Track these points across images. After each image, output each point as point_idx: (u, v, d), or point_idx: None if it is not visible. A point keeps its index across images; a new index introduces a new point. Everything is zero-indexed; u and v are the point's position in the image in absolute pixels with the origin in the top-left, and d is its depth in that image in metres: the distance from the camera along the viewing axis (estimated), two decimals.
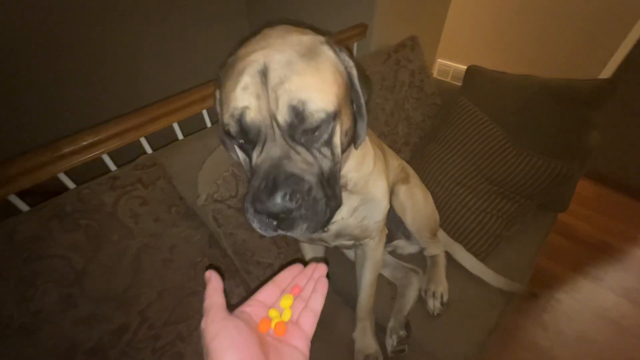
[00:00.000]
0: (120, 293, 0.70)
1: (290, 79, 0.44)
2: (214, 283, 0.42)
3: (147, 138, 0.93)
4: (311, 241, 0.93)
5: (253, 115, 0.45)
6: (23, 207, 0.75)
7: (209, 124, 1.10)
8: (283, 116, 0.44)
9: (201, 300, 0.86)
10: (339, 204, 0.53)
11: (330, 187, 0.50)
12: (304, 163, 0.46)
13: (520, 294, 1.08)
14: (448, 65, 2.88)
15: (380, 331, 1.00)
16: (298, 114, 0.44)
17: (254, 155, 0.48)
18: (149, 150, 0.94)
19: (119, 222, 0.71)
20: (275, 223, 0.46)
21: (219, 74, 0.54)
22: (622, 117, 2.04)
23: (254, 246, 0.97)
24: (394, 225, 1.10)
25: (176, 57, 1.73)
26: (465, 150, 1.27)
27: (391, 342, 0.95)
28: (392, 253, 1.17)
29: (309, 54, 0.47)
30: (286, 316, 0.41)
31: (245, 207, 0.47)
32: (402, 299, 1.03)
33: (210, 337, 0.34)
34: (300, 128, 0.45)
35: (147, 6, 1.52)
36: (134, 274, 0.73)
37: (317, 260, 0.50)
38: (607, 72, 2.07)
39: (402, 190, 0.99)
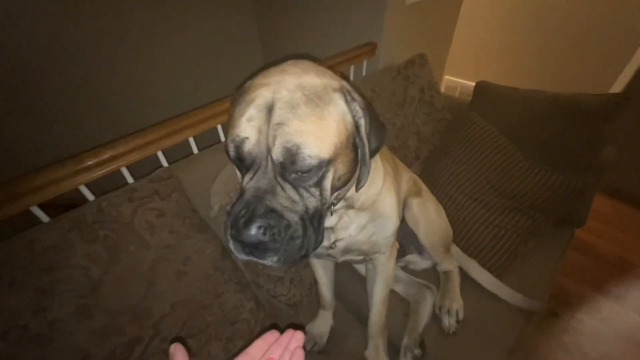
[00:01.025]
0: (134, 305, 0.71)
1: (291, 122, 0.45)
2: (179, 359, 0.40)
3: (163, 152, 0.96)
4: (318, 256, 0.92)
5: (251, 147, 0.47)
6: (45, 218, 0.76)
7: (223, 139, 1.12)
8: (277, 155, 0.46)
9: (212, 314, 0.85)
10: (319, 242, 0.54)
11: (313, 225, 0.51)
12: (288, 200, 0.48)
13: (540, 312, 1.04)
14: (455, 82, 2.92)
15: (393, 350, 0.97)
16: (291, 155, 0.45)
17: (245, 178, 0.50)
18: (165, 163, 0.96)
19: (135, 233, 0.72)
20: (248, 249, 0.48)
21: (235, 95, 0.56)
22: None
23: None
24: (407, 239, 1.08)
25: (192, 74, 1.80)
26: (477, 164, 1.26)
27: None
28: (405, 268, 1.15)
29: (317, 100, 0.48)
30: None
31: (225, 226, 0.49)
32: (415, 316, 1.00)
33: None
34: (291, 168, 0.47)
35: (163, 26, 1.60)
36: (148, 285, 0.73)
37: (295, 327, 0.47)
38: (618, 86, 2.07)
39: (414, 204, 0.99)
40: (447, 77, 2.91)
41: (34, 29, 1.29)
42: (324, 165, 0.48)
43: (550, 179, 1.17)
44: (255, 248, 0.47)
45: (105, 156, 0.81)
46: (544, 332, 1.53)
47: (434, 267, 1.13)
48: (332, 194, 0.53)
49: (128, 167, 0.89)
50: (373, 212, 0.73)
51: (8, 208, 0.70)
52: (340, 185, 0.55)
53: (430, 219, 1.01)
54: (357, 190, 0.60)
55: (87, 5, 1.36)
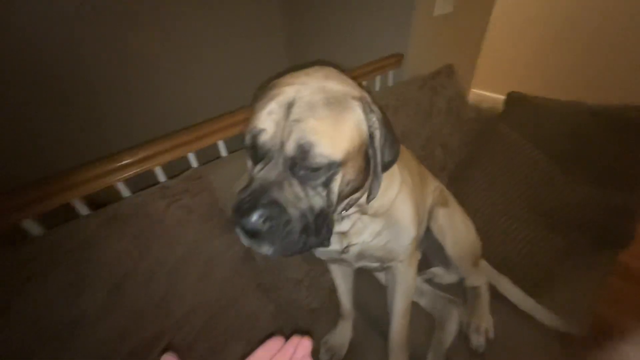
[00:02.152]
0: (156, 303, 0.71)
1: (307, 120, 0.48)
2: None
3: (194, 154, 0.99)
4: (333, 261, 0.91)
5: (267, 139, 0.50)
6: (84, 212, 0.80)
7: None
8: (289, 149, 0.48)
9: (232, 315, 0.85)
10: (322, 243, 0.55)
11: (317, 225, 0.52)
12: (293, 195, 0.50)
13: (578, 339, 0.95)
14: (482, 95, 2.85)
15: None
16: (303, 152, 0.48)
17: (256, 168, 0.52)
18: (195, 165, 0.99)
19: (165, 230, 0.74)
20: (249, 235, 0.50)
21: (257, 93, 0.60)
22: None
23: (285, 261, 0.97)
24: (432, 251, 1.04)
25: (222, 80, 1.89)
26: (508, 176, 1.21)
27: None
28: (429, 282, 1.10)
29: (336, 105, 0.50)
30: None
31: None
32: (441, 332, 0.95)
33: None
34: (301, 164, 0.49)
35: (198, 35, 1.69)
36: (171, 284, 0.74)
37: (302, 333, 0.43)
38: None
39: (441, 214, 0.95)
40: (473, 90, 2.86)
41: (76, 39, 1.40)
42: (334, 167, 0.50)
43: (589, 196, 1.10)
44: (253, 235, 0.49)
45: (141, 155, 0.85)
46: None
47: (460, 282, 1.07)
48: (340, 199, 0.54)
49: (161, 168, 0.92)
50: (388, 219, 0.73)
51: (51, 201, 0.74)
52: (348, 192, 0.56)
53: (458, 229, 0.97)
54: (368, 201, 0.61)
55: (122, 13, 1.45)
